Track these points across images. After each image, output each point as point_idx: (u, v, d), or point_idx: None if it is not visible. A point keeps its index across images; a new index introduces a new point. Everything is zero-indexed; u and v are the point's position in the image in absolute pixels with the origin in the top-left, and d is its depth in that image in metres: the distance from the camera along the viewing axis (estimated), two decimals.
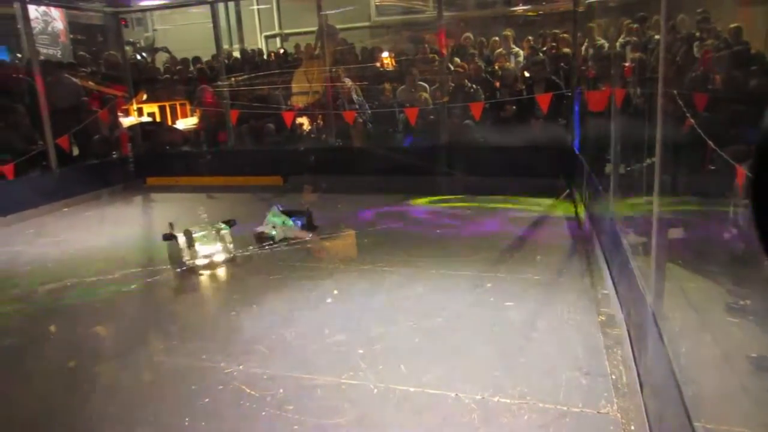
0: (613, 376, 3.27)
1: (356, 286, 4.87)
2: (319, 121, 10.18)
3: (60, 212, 8.29)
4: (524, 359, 3.53)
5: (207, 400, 3.29)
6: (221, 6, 13.77)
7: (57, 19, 13.31)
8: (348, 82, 9.62)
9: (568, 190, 7.69)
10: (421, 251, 5.67)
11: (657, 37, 4.39)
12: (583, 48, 8.54)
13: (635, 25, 6.83)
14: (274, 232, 6.15)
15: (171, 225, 5.75)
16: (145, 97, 10.58)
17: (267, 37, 15.91)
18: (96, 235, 6.95)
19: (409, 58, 10.36)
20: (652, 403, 2.73)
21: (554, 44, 9.67)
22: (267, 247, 5.99)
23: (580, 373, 3.32)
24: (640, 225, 4.06)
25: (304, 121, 10.38)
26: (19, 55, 11.93)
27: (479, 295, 4.52)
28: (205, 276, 5.38)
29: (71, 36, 13.95)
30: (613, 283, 4.34)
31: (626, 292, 3.77)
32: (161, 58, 13.45)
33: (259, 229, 6.22)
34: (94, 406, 3.32)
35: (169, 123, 10.73)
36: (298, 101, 10.33)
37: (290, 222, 6.30)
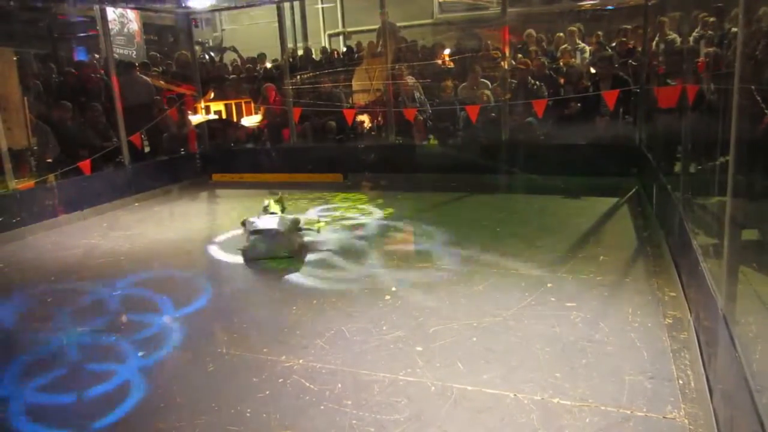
0: (680, 381, 3.16)
1: (415, 283, 4.88)
2: (379, 119, 10.24)
3: (131, 206, 8.64)
4: (586, 361, 3.45)
5: (268, 392, 3.36)
6: (287, 5, 14.03)
7: (133, 20, 13.89)
8: (410, 80, 9.62)
9: (634, 189, 7.46)
10: (481, 249, 5.61)
11: (734, 29, 4.20)
12: (654, 43, 8.25)
13: (711, 18, 6.55)
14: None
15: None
16: (212, 95, 10.91)
17: (330, 36, 16.12)
18: (164, 229, 7.21)
19: (471, 56, 10.27)
20: (722, 410, 2.62)
21: (624, 39, 9.39)
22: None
23: (645, 376, 3.22)
24: (712, 225, 3.90)
25: (364, 119, 10.46)
26: (96, 56, 12.50)
27: (539, 295, 4.44)
28: (265, 271, 5.49)
29: (145, 36, 14.53)
30: (682, 285, 4.18)
31: (695, 294, 3.62)
32: (229, 57, 13.83)
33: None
34: (162, 395, 3.45)
35: (235, 121, 11.02)
36: (360, 99, 10.42)
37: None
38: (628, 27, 9.76)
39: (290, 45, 13.65)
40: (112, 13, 12.54)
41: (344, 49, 13.36)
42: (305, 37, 16.09)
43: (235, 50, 13.70)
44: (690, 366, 3.29)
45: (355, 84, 10.53)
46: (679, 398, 3.00)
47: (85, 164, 8.12)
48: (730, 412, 2.46)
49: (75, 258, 6.21)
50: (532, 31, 10.57)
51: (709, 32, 6.34)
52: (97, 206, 8.22)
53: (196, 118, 10.51)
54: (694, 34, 6.60)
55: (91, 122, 9.05)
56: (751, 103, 3.22)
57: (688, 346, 3.50)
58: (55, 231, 7.35)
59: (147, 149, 9.97)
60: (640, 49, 8.57)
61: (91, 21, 12.76)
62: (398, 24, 11.64)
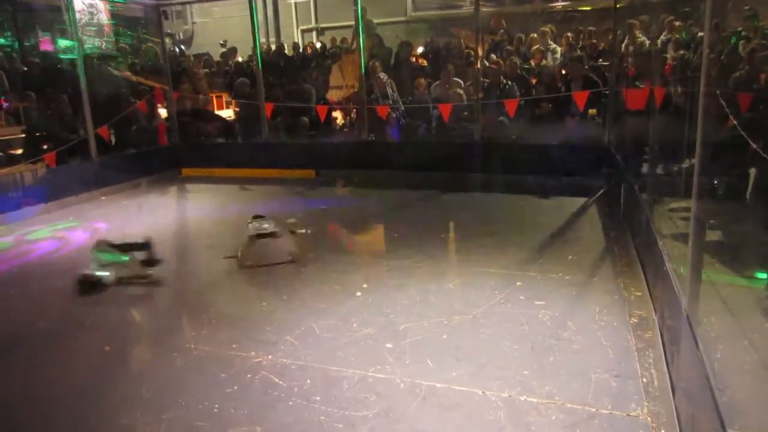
0: (644, 379, 3.21)
1: (386, 280, 4.88)
2: (352, 116, 10.21)
3: (98, 200, 8.47)
4: (553, 359, 3.49)
5: (236, 387, 3.33)
6: None
7: (102, 11, 13.59)
8: (383, 76, 9.62)
9: (603, 189, 7.57)
10: (452, 248, 5.64)
11: (700, 34, 4.29)
12: (623, 45, 8.39)
13: (678, 23, 6.68)
14: (104, 273, 4.99)
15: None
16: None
17: (303, 31, 16.02)
18: (131, 224, 7.08)
19: (443, 54, 10.32)
20: (684, 408, 2.68)
21: (594, 41, 9.53)
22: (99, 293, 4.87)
23: (610, 374, 3.27)
24: (677, 226, 3.98)
25: (337, 116, 10.42)
26: (63, 46, 12.22)
27: (509, 294, 4.48)
28: (233, 267, 5.44)
29: (115, 27, 14.24)
30: (647, 284, 4.26)
31: (660, 294, 3.69)
32: (217, 50, 13.62)
33: (86, 271, 5.03)
34: (127, 390, 3.39)
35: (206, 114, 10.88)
36: (333, 95, 10.38)
37: (125, 258, 5.24)
38: (598, 29, 9.90)
39: (262, 40, 13.52)
40: (80, 3, 12.26)
41: (318, 45, 13.30)
42: (278, 32, 15.96)
43: (209, 56, 13.49)
44: (654, 364, 3.35)
45: (332, 81, 10.49)
46: (642, 396, 3.05)
47: (50, 156, 7.94)
48: (692, 410, 2.51)
49: None
50: (504, 30, 10.66)
51: (676, 36, 6.48)
52: (61, 200, 8.03)
53: (165, 111, 10.33)
54: (662, 37, 6.73)
55: (56, 114, 8.85)
56: (716, 107, 3.29)
57: (652, 345, 3.57)
58: (17, 224, 7.18)
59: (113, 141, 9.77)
60: (607, 48, 8.69)
61: (59, 10, 12.46)
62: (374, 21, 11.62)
